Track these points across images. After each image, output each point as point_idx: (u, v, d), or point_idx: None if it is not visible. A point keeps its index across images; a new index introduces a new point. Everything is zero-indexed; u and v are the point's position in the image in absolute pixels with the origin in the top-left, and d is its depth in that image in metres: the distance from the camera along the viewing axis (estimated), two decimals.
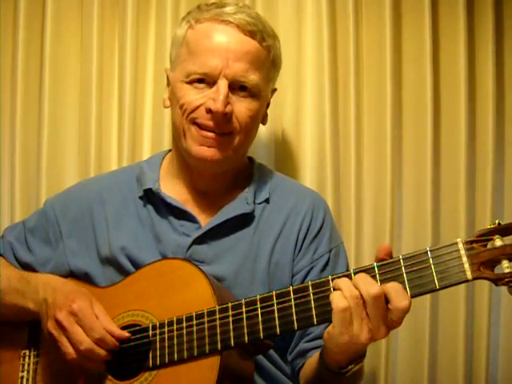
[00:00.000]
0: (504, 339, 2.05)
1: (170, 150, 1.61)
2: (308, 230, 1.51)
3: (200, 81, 1.40)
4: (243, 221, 1.48)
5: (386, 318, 1.12)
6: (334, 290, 1.16)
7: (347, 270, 1.52)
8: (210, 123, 1.39)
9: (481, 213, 2.04)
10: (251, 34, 1.40)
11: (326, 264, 1.50)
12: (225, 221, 1.46)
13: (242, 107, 1.41)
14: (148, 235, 1.48)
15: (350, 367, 1.21)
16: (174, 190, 1.52)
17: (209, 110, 1.37)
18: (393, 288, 1.11)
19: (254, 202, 1.50)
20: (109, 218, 1.51)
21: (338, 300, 1.12)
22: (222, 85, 1.37)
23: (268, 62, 1.45)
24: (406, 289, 1.13)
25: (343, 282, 1.14)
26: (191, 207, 1.48)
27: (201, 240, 1.44)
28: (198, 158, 1.42)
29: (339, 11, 2.04)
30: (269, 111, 1.57)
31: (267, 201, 1.52)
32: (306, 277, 1.48)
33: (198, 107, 1.39)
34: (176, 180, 1.53)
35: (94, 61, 1.99)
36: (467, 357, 1.99)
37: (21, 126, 1.97)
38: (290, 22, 2.05)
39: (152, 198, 1.50)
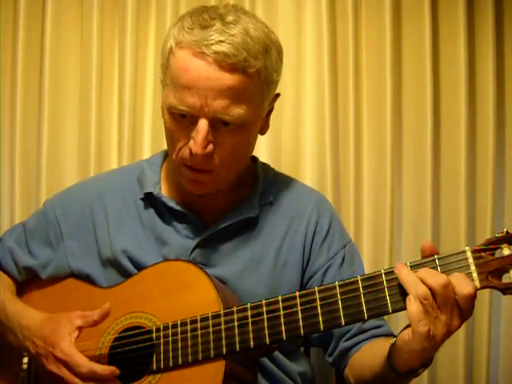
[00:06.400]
0: (505, 339, 2.07)
1: None
2: (316, 229, 1.51)
3: (183, 115, 1.33)
4: (247, 223, 1.47)
5: (456, 307, 1.10)
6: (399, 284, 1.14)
7: (362, 265, 1.55)
8: (193, 163, 1.36)
9: (481, 213, 2.06)
10: (231, 68, 1.28)
11: (343, 260, 1.50)
12: (229, 224, 1.45)
13: (225, 143, 1.35)
14: (150, 237, 1.47)
15: (420, 370, 1.19)
16: (175, 192, 1.50)
17: (190, 152, 1.33)
18: (454, 276, 1.11)
19: (259, 205, 1.49)
20: (110, 219, 1.50)
21: (410, 305, 1.11)
22: (202, 125, 1.30)
23: (258, 86, 1.35)
24: None
25: (409, 279, 1.13)
26: (194, 209, 1.47)
27: (204, 243, 1.44)
28: (189, 190, 1.43)
29: (339, 11, 2.05)
30: (269, 122, 1.51)
31: (271, 203, 1.52)
32: (324, 276, 1.48)
33: (183, 146, 1.36)
34: (177, 182, 1.50)
35: (93, 61, 1.99)
36: (467, 357, 2.00)
37: (21, 126, 1.98)
38: (289, 22, 2.06)
39: (153, 201, 1.49)
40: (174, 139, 1.37)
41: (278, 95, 1.48)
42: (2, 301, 1.47)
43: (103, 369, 1.29)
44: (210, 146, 1.33)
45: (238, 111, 1.31)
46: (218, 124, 1.33)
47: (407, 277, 1.13)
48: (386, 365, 1.23)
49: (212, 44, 1.28)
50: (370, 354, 1.38)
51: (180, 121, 1.34)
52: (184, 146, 1.36)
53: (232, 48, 1.28)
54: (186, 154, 1.35)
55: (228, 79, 1.29)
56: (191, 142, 1.33)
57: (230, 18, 1.32)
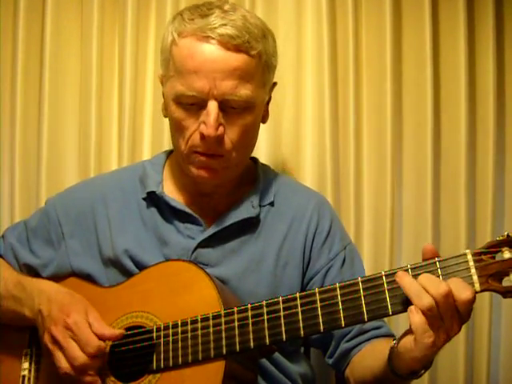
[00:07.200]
0: (505, 341, 2.06)
1: (172, 150, 1.59)
2: (316, 230, 1.52)
3: (191, 104, 1.36)
4: (248, 224, 1.48)
5: (455, 313, 1.11)
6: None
7: (362, 266, 1.56)
8: (205, 148, 1.38)
9: (481, 214, 2.05)
10: (236, 49, 1.34)
11: (343, 261, 1.52)
12: (230, 224, 1.46)
13: (235, 125, 1.38)
14: (152, 237, 1.47)
15: (421, 372, 1.20)
16: (177, 192, 1.52)
17: (202, 136, 1.36)
18: (452, 281, 1.11)
19: (260, 205, 1.50)
20: (111, 218, 1.51)
21: (413, 316, 1.12)
22: (212, 107, 1.34)
23: (260, 68, 1.40)
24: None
25: (412, 288, 1.12)
26: (196, 209, 1.48)
27: (206, 243, 1.45)
28: (199, 180, 1.44)
29: (339, 11, 2.04)
30: (268, 110, 1.54)
31: (272, 203, 1.52)
32: (324, 277, 1.49)
33: (192, 133, 1.38)
34: (180, 182, 1.52)
35: (93, 61, 1.98)
36: (468, 359, 1.99)
37: (21, 126, 1.97)
38: (289, 22, 2.04)
39: (156, 200, 1.49)
40: (182, 128, 1.39)
41: (275, 83, 1.52)
42: (16, 277, 1.48)
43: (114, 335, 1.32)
44: (221, 128, 1.36)
45: (245, 92, 1.36)
46: (226, 108, 1.36)
47: (410, 286, 1.13)
48: (386, 367, 1.24)
49: (216, 28, 1.34)
50: (370, 356, 1.39)
51: (188, 109, 1.37)
52: (194, 133, 1.38)
53: (235, 30, 1.34)
54: (196, 140, 1.38)
55: (234, 60, 1.34)
56: (202, 126, 1.36)
57: (227, 7, 1.40)
